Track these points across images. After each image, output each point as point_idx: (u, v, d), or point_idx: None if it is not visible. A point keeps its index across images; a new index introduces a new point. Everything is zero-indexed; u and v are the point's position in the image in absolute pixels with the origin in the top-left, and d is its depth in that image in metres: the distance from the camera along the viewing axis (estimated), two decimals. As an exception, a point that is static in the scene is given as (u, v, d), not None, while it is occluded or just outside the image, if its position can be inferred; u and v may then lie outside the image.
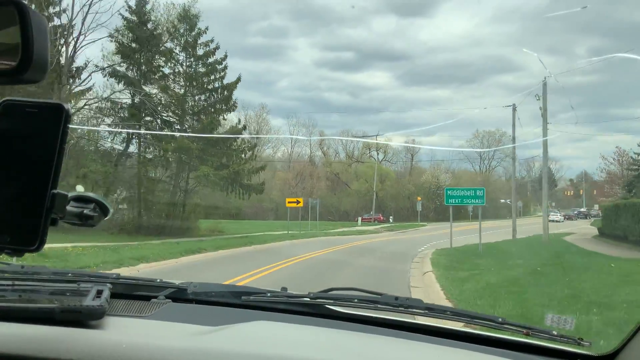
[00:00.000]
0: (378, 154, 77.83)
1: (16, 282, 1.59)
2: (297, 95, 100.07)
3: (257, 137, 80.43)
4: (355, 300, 1.67)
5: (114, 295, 1.49)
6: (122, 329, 1.32)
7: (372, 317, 1.63)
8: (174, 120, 29.29)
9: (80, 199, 0.98)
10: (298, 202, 35.41)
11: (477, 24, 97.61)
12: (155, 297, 1.66)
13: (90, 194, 1.00)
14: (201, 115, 29.15)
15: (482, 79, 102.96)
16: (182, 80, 28.84)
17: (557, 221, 67.46)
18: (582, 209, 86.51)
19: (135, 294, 1.69)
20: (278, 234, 31.78)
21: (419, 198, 60.76)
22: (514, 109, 32.80)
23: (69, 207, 0.92)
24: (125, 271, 12.58)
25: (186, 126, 29.44)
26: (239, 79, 29.92)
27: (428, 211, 70.20)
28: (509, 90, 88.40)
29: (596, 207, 68.94)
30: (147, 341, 1.25)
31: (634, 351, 1.40)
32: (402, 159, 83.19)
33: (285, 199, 37.82)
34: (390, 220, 64.94)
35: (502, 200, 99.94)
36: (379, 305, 1.66)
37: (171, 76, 28.65)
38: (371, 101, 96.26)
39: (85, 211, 0.97)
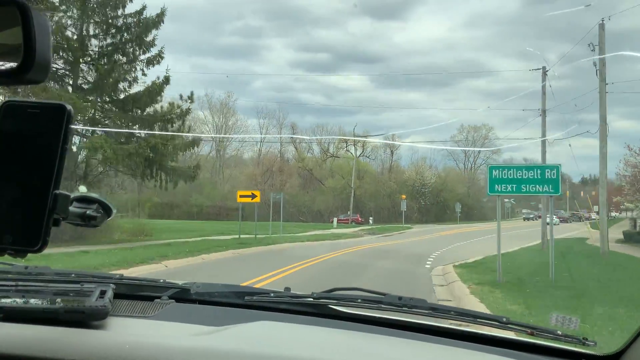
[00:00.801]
0: (355, 148, 69.13)
1: (20, 283, 1.58)
2: (272, 95, 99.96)
3: (225, 137, 71.46)
4: (359, 300, 1.67)
5: (117, 296, 1.49)
6: (126, 329, 1.33)
7: (375, 317, 1.64)
8: (62, 69, 19.61)
9: (83, 200, 0.99)
10: (253, 196, 26.31)
11: (450, 28, 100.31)
12: (159, 297, 1.66)
13: (94, 195, 1.01)
14: (102, 61, 19.63)
15: (456, 83, 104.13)
16: (74, 9, 19.22)
17: (553, 224, 60.76)
18: (576, 212, 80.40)
19: (138, 294, 1.70)
20: (224, 240, 22.77)
21: (404, 196, 52.37)
22: (545, 72, 24.40)
23: (71, 208, 0.93)
24: None
25: (81, 79, 19.95)
26: (163, 13, 20.57)
27: (412, 212, 62.01)
28: (482, 95, 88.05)
29: (595, 208, 62.23)
30: (150, 341, 1.26)
31: (639, 351, 1.40)
32: (380, 155, 74.83)
33: (237, 192, 28.47)
34: (370, 221, 56.46)
35: (533, 203, 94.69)
36: (382, 305, 1.66)
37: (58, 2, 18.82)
38: (346, 102, 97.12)
39: (88, 212, 0.98)
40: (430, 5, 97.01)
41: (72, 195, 0.93)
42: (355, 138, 64.44)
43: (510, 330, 1.59)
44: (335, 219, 47.88)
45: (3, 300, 1.39)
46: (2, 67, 0.81)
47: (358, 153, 71.36)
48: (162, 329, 1.37)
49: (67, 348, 1.15)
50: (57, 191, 0.83)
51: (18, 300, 1.42)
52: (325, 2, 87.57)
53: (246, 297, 1.69)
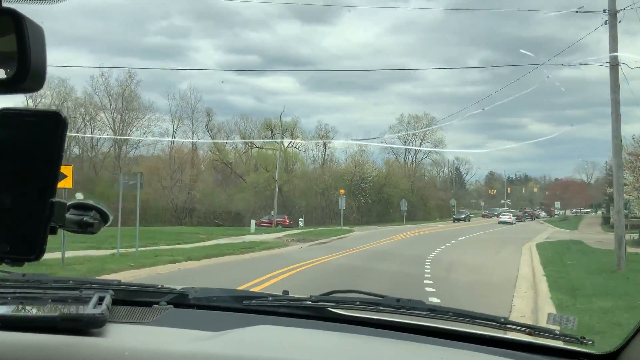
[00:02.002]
0: (283, 136, 57.98)
1: (17, 291, 1.59)
2: (200, 97, 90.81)
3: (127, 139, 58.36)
4: (357, 303, 1.67)
5: (115, 302, 1.49)
6: (124, 336, 1.33)
7: (374, 319, 1.63)
8: None
9: (80, 207, 0.98)
10: (63, 176, 13.57)
11: (377, 34, 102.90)
12: (157, 303, 1.65)
13: (90, 202, 1.01)
14: None
15: (383, 87, 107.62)
16: None
17: (509, 223, 53.20)
18: (526, 209, 74.86)
19: (136, 300, 1.68)
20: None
21: (342, 191, 42.02)
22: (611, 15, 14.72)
23: (68, 215, 0.93)
24: None
25: None
26: None
27: (350, 211, 51.83)
28: (408, 99, 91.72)
29: (557, 204, 55.45)
30: (149, 347, 1.26)
31: (637, 349, 1.41)
32: (312, 147, 64.26)
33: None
34: (300, 223, 45.63)
35: (474, 201, 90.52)
36: (381, 307, 1.65)
37: None
38: (276, 105, 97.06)
39: (85, 218, 0.97)
40: (358, 10, 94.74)
41: (69, 203, 0.93)
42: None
43: (509, 330, 1.60)
44: (253, 222, 36.52)
45: (1, 308, 1.42)
46: None
47: (286, 143, 60.41)
48: (160, 335, 1.38)
49: (65, 356, 1.15)
50: (54, 199, 0.82)
51: (16, 308, 1.45)
52: (254, 4, 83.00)
53: (244, 302, 1.69)
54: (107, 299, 1.38)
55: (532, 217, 70.04)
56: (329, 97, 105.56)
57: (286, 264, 15.39)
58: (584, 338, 1.53)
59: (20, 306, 1.47)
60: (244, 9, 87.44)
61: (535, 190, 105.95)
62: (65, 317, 1.26)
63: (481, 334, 1.54)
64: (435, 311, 1.63)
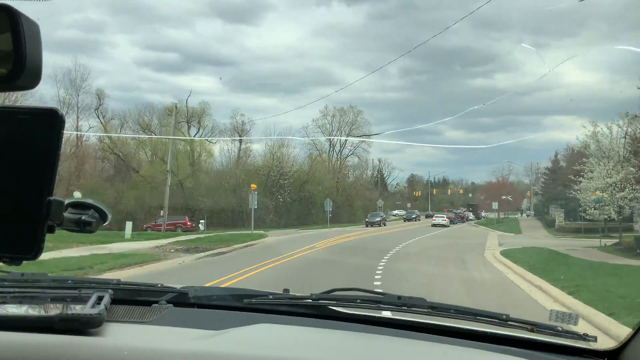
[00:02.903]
0: (189, 124, 49.17)
1: (16, 290, 1.59)
2: (117, 95, 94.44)
3: None
4: (358, 301, 1.65)
5: (115, 301, 1.49)
6: (124, 335, 1.32)
7: (375, 317, 1.62)
8: None
9: (78, 205, 0.98)
10: None
11: (300, 37, 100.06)
12: (157, 302, 1.64)
13: (89, 200, 1.00)
14: None
15: (305, 90, 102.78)
16: None
17: (444, 225, 47.94)
18: (457, 210, 71.29)
19: (136, 299, 1.67)
20: None
21: (254, 186, 34.23)
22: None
23: (67, 214, 0.92)
24: None
25: None
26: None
27: (265, 211, 44.17)
28: (329, 102, 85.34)
29: (495, 205, 50.94)
30: (148, 347, 1.25)
31: (639, 346, 1.40)
32: (227, 142, 56.03)
33: None
34: (201, 227, 37.32)
35: (399, 202, 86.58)
36: (381, 305, 1.65)
37: None
38: (197, 105, 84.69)
39: (83, 217, 0.96)
40: (281, 12, 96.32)
41: (67, 201, 0.92)
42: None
43: (511, 327, 1.56)
44: (129, 225, 27.52)
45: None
46: None
47: (193, 132, 51.79)
48: (160, 334, 1.36)
49: (63, 356, 1.15)
50: (51, 198, 0.82)
51: (14, 307, 1.46)
52: (173, 0, 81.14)
53: (245, 300, 1.67)
54: (106, 299, 1.38)
55: (463, 219, 66.75)
56: (252, 98, 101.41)
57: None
58: (587, 335, 1.51)
59: (19, 305, 1.48)
60: (163, 5, 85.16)
61: (460, 192, 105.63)
62: (63, 317, 1.25)
63: (483, 331, 1.53)
64: (436, 309, 1.62)
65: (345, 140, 66.63)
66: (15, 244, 0.82)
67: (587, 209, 28.81)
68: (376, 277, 11.84)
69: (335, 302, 1.67)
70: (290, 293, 1.73)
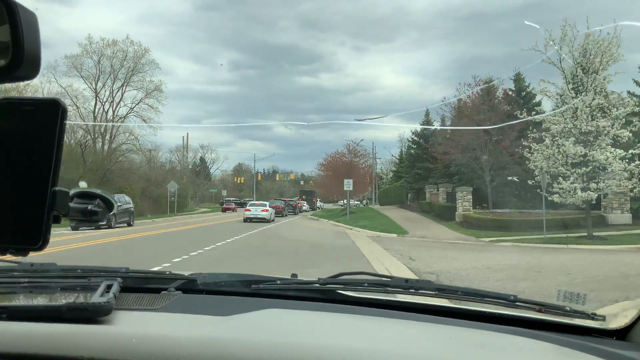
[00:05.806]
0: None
1: (26, 280, 1.61)
2: None
3: None
4: (366, 284, 1.67)
5: (124, 289, 1.51)
6: (133, 322, 1.34)
7: (383, 299, 1.63)
8: None
9: (84, 195, 1.00)
10: None
11: (122, 22, 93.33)
12: (165, 289, 1.65)
13: (95, 190, 1.02)
14: None
15: (137, 80, 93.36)
16: None
17: (264, 219, 33.62)
18: (287, 199, 66.69)
19: (145, 287, 1.69)
20: None
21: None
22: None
23: (73, 204, 0.94)
24: None
25: None
26: None
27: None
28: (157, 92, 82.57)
29: (349, 184, 37.84)
30: (158, 333, 1.26)
31: None
32: None
33: None
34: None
35: (213, 190, 79.55)
36: (389, 288, 1.66)
37: None
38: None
39: (89, 207, 0.98)
40: None
41: (73, 191, 0.95)
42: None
43: (518, 308, 1.58)
44: None
45: (8, 298, 1.47)
46: None
47: None
48: (169, 321, 1.38)
49: (73, 344, 1.16)
50: (56, 188, 0.82)
51: (23, 297, 1.49)
52: None
53: (253, 286, 1.69)
54: (115, 287, 1.40)
55: (295, 209, 55.02)
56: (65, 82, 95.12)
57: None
58: (595, 314, 1.53)
59: (28, 295, 1.50)
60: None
61: (292, 177, 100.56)
62: (72, 307, 1.26)
63: (491, 312, 1.54)
64: (443, 290, 1.64)
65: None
66: (22, 235, 0.82)
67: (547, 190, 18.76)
68: None
69: (342, 286, 1.68)
70: (297, 278, 1.74)
